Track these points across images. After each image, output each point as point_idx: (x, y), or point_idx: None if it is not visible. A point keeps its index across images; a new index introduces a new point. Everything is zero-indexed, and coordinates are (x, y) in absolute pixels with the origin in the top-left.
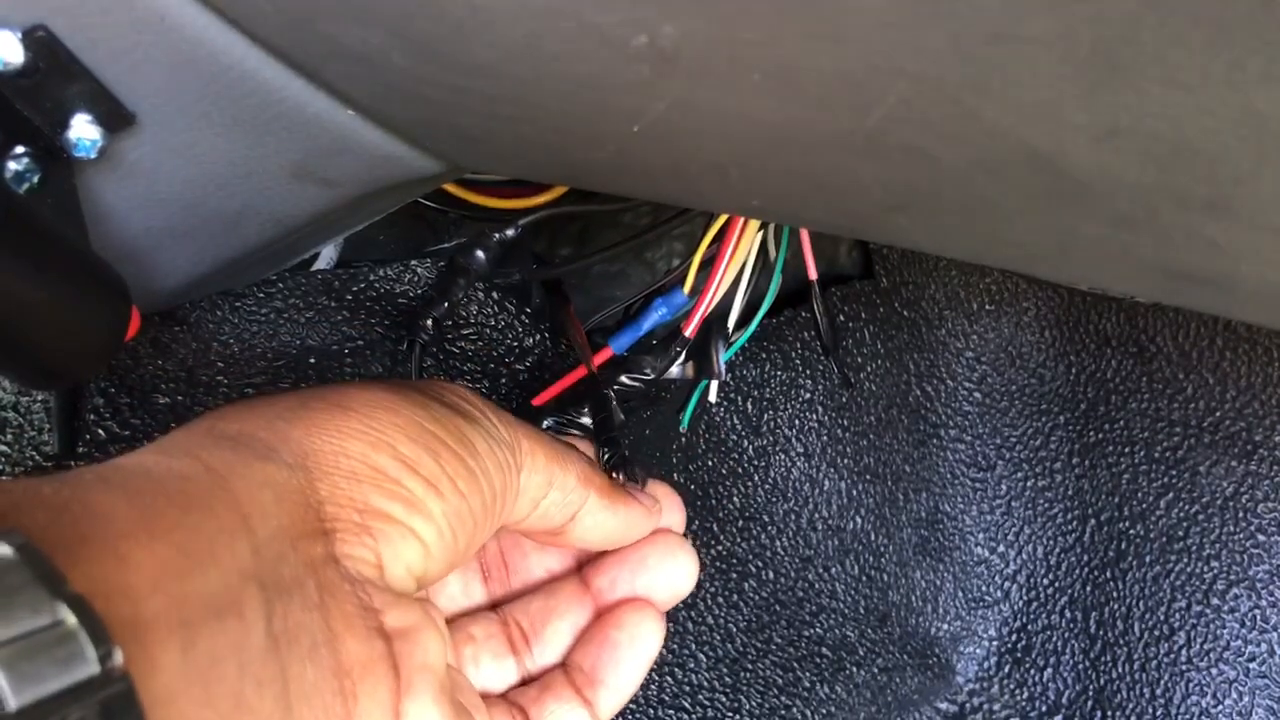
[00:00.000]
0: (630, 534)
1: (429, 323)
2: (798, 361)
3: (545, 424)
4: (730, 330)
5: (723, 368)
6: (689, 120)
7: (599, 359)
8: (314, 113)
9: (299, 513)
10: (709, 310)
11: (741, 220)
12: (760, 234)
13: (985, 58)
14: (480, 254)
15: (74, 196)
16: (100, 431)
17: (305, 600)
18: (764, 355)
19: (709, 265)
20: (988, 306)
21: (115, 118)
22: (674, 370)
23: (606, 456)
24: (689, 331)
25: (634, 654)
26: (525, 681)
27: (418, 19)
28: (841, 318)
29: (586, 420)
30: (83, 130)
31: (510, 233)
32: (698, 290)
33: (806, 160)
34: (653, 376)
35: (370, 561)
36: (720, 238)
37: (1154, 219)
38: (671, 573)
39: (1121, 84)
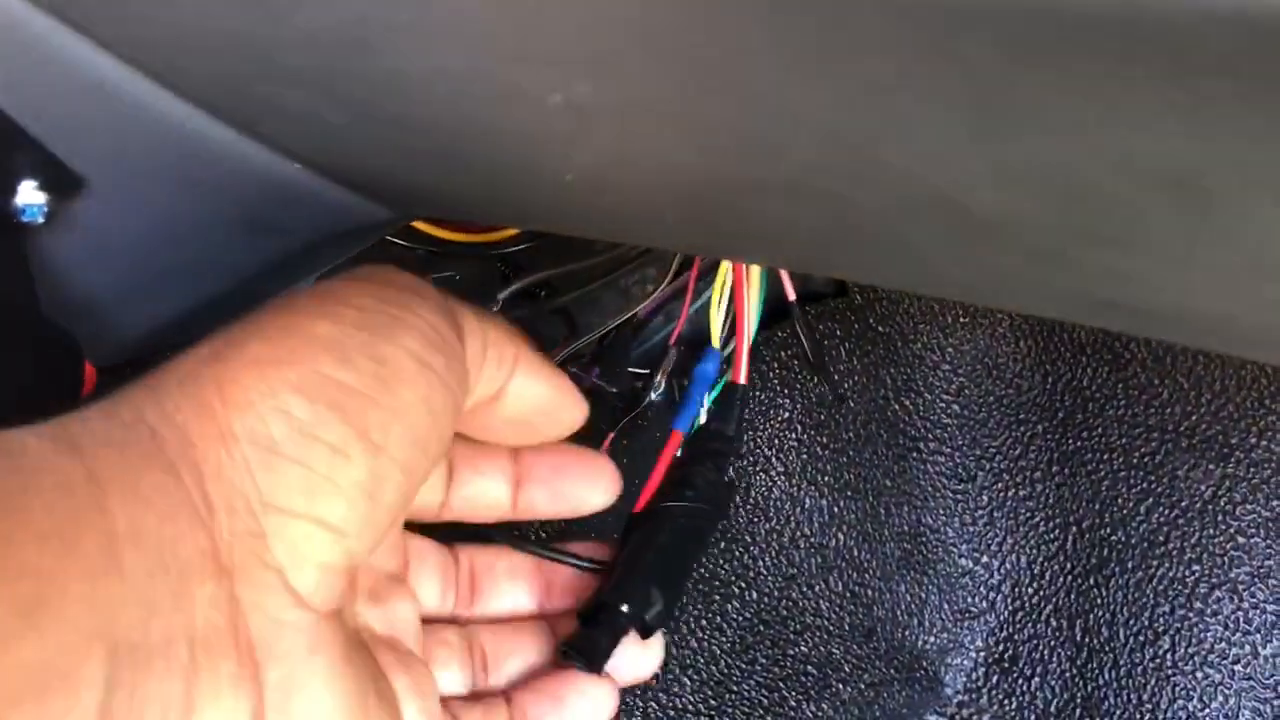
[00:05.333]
0: (560, 410)
1: None
2: (775, 381)
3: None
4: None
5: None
6: (617, 169)
7: (672, 447)
8: (260, 167)
9: (188, 538)
10: (748, 351)
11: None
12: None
13: (875, 110)
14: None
15: (23, 261)
16: None
17: (168, 665)
18: None
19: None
20: (962, 319)
21: (62, 182)
22: (652, 395)
23: None
24: (743, 379)
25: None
26: (470, 697)
27: (346, 81)
28: (818, 336)
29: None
30: (29, 196)
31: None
32: (722, 337)
33: (734, 204)
34: (733, 436)
35: (273, 586)
36: (700, 270)
37: (1065, 255)
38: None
39: (1005, 133)
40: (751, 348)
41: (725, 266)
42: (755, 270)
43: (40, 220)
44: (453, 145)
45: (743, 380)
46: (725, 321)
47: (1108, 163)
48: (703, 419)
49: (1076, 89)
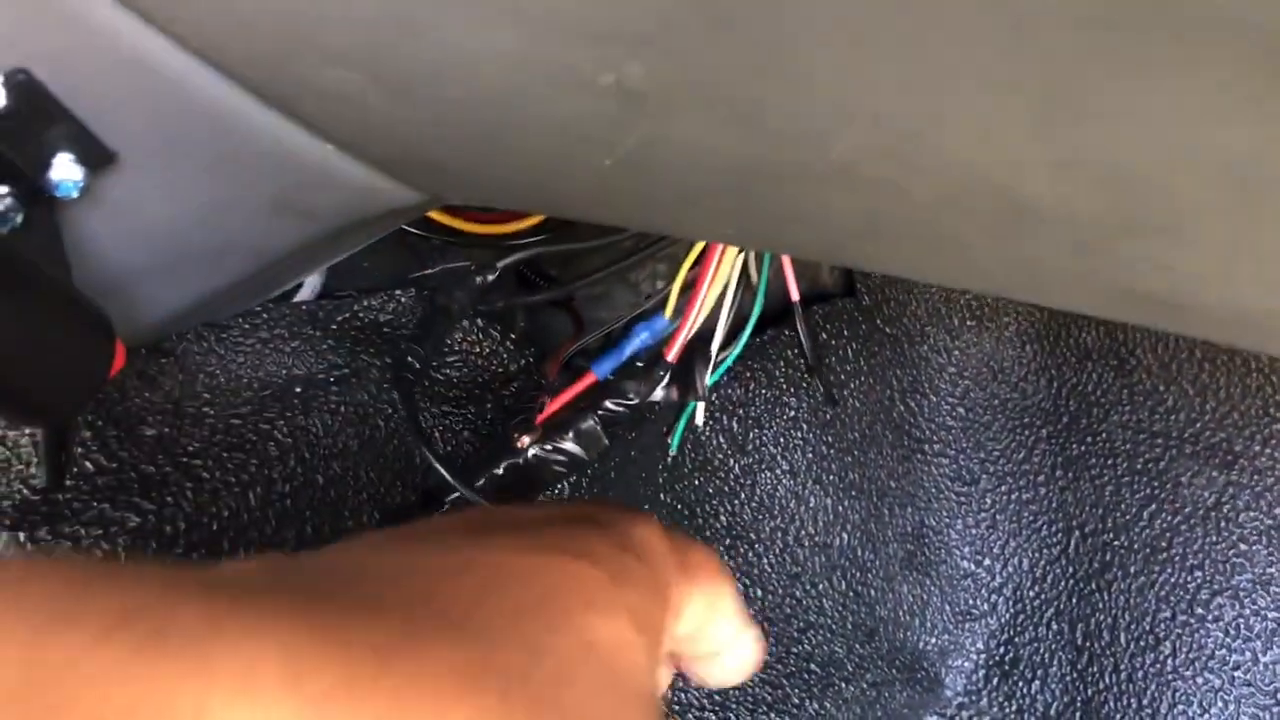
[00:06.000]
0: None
1: (414, 361)
2: (782, 380)
3: (531, 453)
4: (714, 352)
5: (707, 390)
6: (659, 154)
7: (582, 385)
8: (293, 148)
9: None
10: (691, 334)
11: (721, 245)
12: (741, 257)
13: (937, 95)
14: (460, 294)
15: (57, 235)
16: (88, 464)
17: None
18: (748, 374)
19: (691, 289)
20: (969, 322)
21: (97, 157)
22: (658, 393)
23: None
24: (671, 356)
25: None
26: None
27: (392, 61)
28: (824, 335)
29: (570, 446)
30: (65, 170)
31: (491, 277)
32: (680, 314)
33: (775, 191)
34: (636, 401)
35: None
36: (701, 262)
37: (1112, 246)
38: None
39: (1070, 118)
40: (732, 339)
41: (727, 264)
42: (730, 256)
43: (75, 195)
44: (493, 128)
45: (670, 358)
46: (728, 314)
47: (1170, 150)
48: (701, 418)
49: (1148, 74)
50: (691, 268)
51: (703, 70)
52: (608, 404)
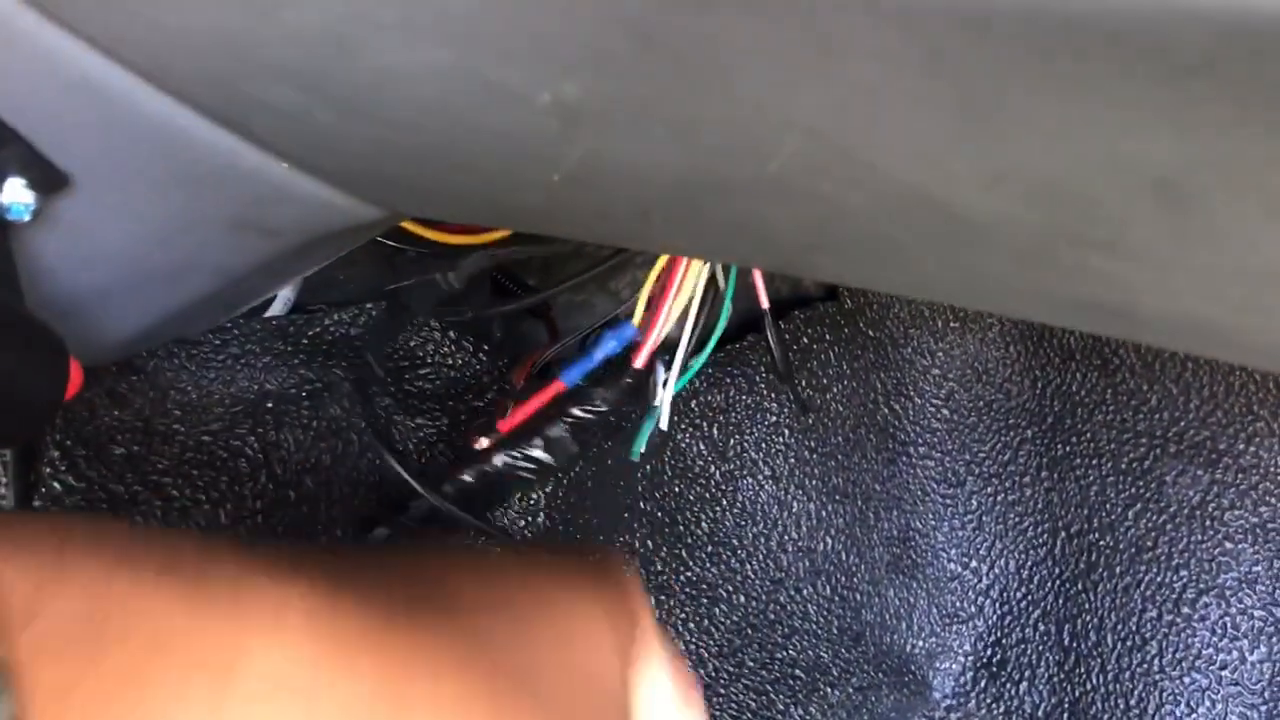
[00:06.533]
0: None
1: (374, 366)
2: (762, 386)
3: (498, 460)
4: (683, 360)
5: (664, 397)
6: (604, 169)
7: (549, 392)
8: (248, 166)
9: None
10: (658, 342)
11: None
12: (708, 267)
13: (861, 111)
14: (421, 295)
15: (9, 259)
16: (56, 484)
17: None
18: (728, 380)
19: (658, 299)
20: (953, 324)
21: (48, 180)
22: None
23: None
24: (638, 363)
25: None
26: None
27: (332, 78)
28: (806, 340)
29: (539, 454)
30: (15, 194)
31: (455, 284)
32: (647, 322)
33: (721, 205)
34: (605, 408)
35: None
36: (669, 270)
37: (1053, 258)
38: None
39: (993, 134)
40: (701, 348)
41: (694, 273)
42: (697, 266)
43: (27, 218)
44: (440, 144)
45: (638, 364)
46: (694, 323)
47: (1094, 165)
48: (664, 423)
49: (1062, 91)
50: (659, 276)
51: (635, 89)
52: (575, 411)
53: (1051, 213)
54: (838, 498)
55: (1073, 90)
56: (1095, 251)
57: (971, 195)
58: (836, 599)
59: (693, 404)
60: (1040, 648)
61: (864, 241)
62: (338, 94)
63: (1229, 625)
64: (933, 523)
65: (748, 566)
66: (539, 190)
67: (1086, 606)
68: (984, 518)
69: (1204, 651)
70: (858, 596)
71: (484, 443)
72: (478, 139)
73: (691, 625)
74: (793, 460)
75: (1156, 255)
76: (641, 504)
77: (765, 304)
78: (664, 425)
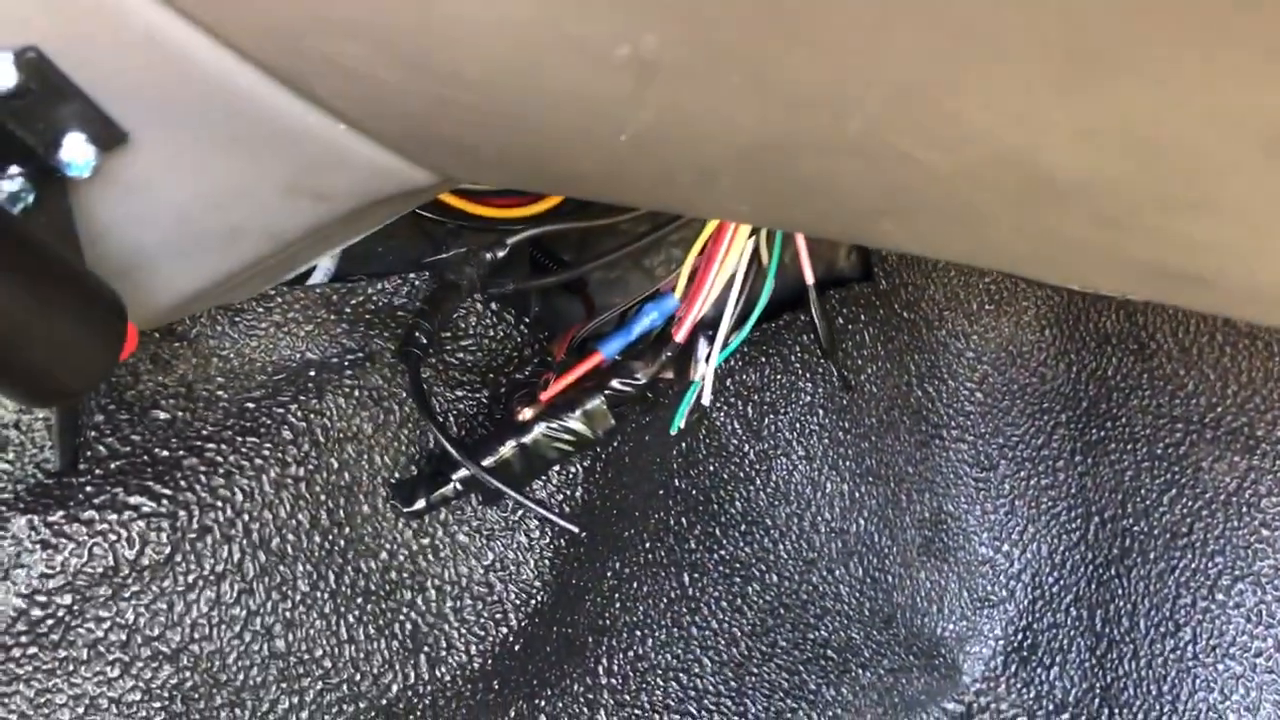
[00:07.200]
0: None
1: (421, 336)
2: (797, 365)
3: (536, 431)
4: (725, 335)
5: (708, 372)
6: (675, 127)
7: (589, 364)
8: (306, 128)
9: None
10: (700, 315)
11: (732, 227)
12: (753, 240)
13: (958, 59)
14: (470, 269)
15: (69, 216)
16: (101, 448)
17: None
18: (764, 359)
19: (701, 271)
20: (987, 306)
21: (108, 136)
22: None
23: None
24: (679, 337)
25: None
26: None
27: (403, 32)
28: (841, 320)
29: (577, 425)
30: (76, 149)
31: (500, 253)
32: (689, 296)
33: (791, 165)
34: (643, 381)
35: None
36: (712, 244)
37: (1137, 219)
38: None
39: (1096, 82)
40: (743, 322)
41: (738, 247)
42: (741, 239)
43: (87, 175)
44: (505, 104)
45: (679, 338)
46: (738, 296)
47: (1199, 116)
48: (707, 398)
49: (1177, 35)
50: (703, 250)
51: (720, 37)
52: (614, 383)
53: (1144, 168)
54: (871, 479)
55: (1188, 35)
56: (1183, 213)
57: (1060, 150)
58: (869, 580)
59: (728, 382)
60: (1072, 633)
61: (938, 203)
62: (406, 49)
63: (1264, 612)
64: (965, 506)
65: (781, 546)
66: (603, 152)
67: (1119, 592)
68: (1016, 502)
69: (1238, 639)
70: (889, 579)
71: (528, 414)
72: (547, 97)
73: (724, 604)
74: (827, 441)
75: (1251, 214)
76: (676, 481)
77: (810, 279)
78: (706, 400)
